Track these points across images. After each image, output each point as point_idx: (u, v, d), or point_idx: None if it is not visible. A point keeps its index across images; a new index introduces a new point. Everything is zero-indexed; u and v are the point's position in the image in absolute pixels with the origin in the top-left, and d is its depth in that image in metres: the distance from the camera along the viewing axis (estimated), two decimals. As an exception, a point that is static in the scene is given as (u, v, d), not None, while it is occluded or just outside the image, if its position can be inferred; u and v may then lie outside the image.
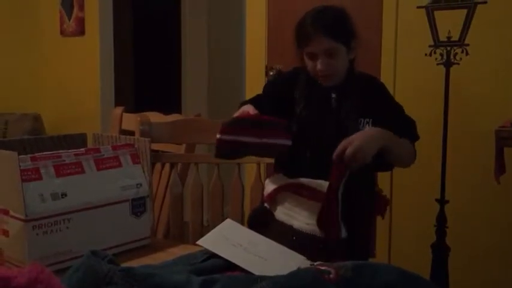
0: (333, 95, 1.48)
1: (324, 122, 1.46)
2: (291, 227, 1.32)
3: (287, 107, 1.50)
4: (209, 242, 1.04)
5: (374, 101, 1.48)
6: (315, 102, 1.49)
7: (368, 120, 1.44)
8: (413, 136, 1.52)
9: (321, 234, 1.29)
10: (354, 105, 1.45)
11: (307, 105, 1.48)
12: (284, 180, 1.40)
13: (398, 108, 1.56)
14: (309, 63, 1.47)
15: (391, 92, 2.26)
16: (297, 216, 1.34)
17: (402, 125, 1.48)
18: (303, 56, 1.49)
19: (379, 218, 1.79)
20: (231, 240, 1.04)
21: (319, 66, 1.43)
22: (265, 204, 1.45)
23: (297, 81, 1.53)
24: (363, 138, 1.25)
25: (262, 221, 1.37)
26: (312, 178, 1.35)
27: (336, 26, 1.43)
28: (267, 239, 1.08)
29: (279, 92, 1.55)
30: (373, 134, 1.30)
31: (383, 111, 1.47)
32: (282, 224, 1.33)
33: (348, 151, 1.22)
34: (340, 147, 1.25)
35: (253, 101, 1.52)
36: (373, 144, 1.27)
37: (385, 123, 1.38)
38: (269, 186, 1.43)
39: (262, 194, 1.50)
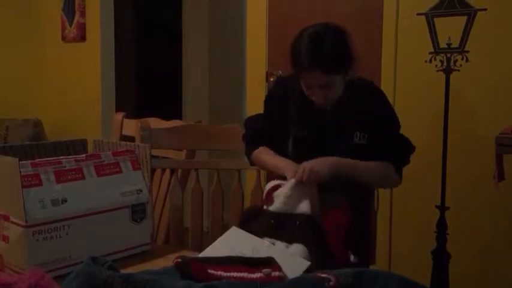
0: (327, 110, 1.46)
1: (319, 142, 1.46)
2: (269, 212, 1.32)
3: (283, 120, 1.50)
4: (212, 254, 1.04)
5: (371, 114, 1.45)
6: (310, 122, 1.47)
7: (364, 134, 1.43)
8: (398, 160, 1.49)
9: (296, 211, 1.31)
10: (349, 121, 1.43)
11: (302, 125, 1.47)
12: (278, 181, 1.41)
13: (395, 127, 1.52)
14: (305, 90, 1.43)
15: (391, 98, 2.28)
16: (278, 199, 1.34)
17: (390, 148, 1.47)
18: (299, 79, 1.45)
19: (379, 224, 1.79)
20: (234, 250, 1.04)
21: (314, 98, 1.41)
22: (264, 206, 1.45)
23: (290, 93, 1.50)
24: (312, 162, 1.32)
25: (251, 216, 1.36)
26: None
27: (332, 60, 1.35)
28: (272, 245, 1.08)
29: (276, 108, 1.54)
30: (325, 160, 1.35)
31: (378, 129, 1.45)
32: (265, 211, 1.33)
33: (299, 173, 1.30)
34: (297, 174, 1.30)
35: (259, 120, 1.58)
36: (325, 167, 1.33)
37: (376, 144, 1.42)
38: (266, 188, 1.44)
39: (262, 198, 1.50)
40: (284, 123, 1.50)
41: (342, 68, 1.39)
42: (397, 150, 1.50)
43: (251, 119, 1.66)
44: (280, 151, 1.49)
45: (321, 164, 1.32)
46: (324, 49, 1.35)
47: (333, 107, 1.46)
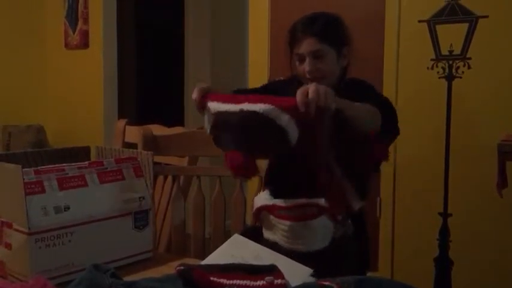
0: None
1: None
2: (275, 244, 1.32)
3: None
4: (214, 261, 1.04)
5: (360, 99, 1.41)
6: None
7: None
8: (384, 111, 1.39)
9: (301, 249, 1.28)
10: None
11: None
12: (264, 200, 1.40)
13: (380, 97, 1.50)
14: (298, 67, 1.48)
15: (393, 104, 2.28)
16: (277, 233, 1.35)
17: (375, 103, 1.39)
18: (294, 62, 1.49)
19: (382, 231, 1.77)
20: (236, 258, 1.03)
21: (306, 67, 1.44)
22: (257, 223, 1.45)
23: (289, 87, 1.48)
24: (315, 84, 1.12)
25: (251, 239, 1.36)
26: (298, 190, 1.32)
27: (324, 29, 1.44)
28: (274, 253, 1.08)
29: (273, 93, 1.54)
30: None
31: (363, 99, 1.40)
32: (267, 241, 1.33)
33: (311, 90, 1.09)
34: (299, 94, 1.09)
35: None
36: (329, 90, 1.13)
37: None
38: (254, 206, 1.44)
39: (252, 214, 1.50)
40: None
41: (334, 40, 1.44)
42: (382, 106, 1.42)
43: None
44: None
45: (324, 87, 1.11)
46: (317, 21, 1.46)
47: None
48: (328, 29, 1.45)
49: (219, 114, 1.02)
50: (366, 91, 1.50)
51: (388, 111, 1.46)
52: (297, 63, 1.48)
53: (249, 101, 1.06)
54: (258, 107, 1.04)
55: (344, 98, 1.41)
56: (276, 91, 1.52)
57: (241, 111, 1.00)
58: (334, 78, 1.48)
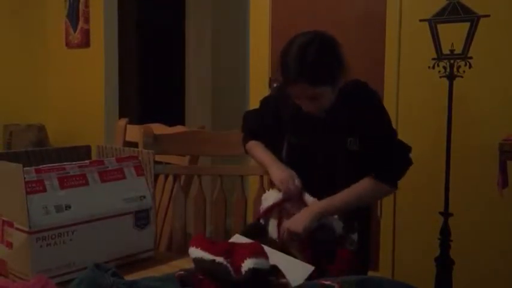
0: (320, 117, 1.44)
1: (312, 150, 1.46)
2: (283, 245, 1.32)
3: (277, 126, 1.52)
4: None
5: (362, 119, 1.41)
6: (302, 128, 1.47)
7: (355, 140, 1.40)
8: (389, 175, 1.44)
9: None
10: (342, 127, 1.42)
11: (294, 131, 1.47)
12: (276, 197, 1.41)
13: (386, 136, 1.45)
14: (293, 97, 1.41)
15: (394, 104, 2.28)
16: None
17: (381, 162, 1.43)
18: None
19: (382, 230, 1.78)
20: None
21: (303, 108, 1.41)
22: (261, 220, 1.45)
23: (284, 100, 1.48)
24: (290, 221, 1.35)
25: (253, 237, 1.36)
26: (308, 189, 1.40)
27: (318, 72, 1.33)
28: (276, 251, 1.08)
29: (271, 113, 1.55)
30: (302, 216, 1.36)
31: (369, 138, 1.41)
32: (275, 242, 1.34)
33: (285, 236, 1.34)
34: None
35: (256, 117, 1.61)
36: (303, 218, 1.34)
37: (368, 154, 1.40)
38: (263, 203, 1.44)
39: (258, 210, 1.50)
40: (278, 129, 1.51)
41: (328, 80, 1.36)
42: (388, 164, 1.44)
43: (250, 113, 1.68)
44: (274, 151, 1.52)
45: (297, 223, 1.33)
46: (309, 62, 1.33)
47: (326, 114, 1.43)
48: (321, 71, 1.34)
49: (196, 261, 1.00)
50: (366, 113, 1.42)
51: (396, 152, 1.45)
52: (291, 95, 1.41)
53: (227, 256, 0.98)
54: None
55: (341, 112, 1.42)
56: (272, 112, 1.55)
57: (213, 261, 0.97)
58: (332, 101, 1.42)
